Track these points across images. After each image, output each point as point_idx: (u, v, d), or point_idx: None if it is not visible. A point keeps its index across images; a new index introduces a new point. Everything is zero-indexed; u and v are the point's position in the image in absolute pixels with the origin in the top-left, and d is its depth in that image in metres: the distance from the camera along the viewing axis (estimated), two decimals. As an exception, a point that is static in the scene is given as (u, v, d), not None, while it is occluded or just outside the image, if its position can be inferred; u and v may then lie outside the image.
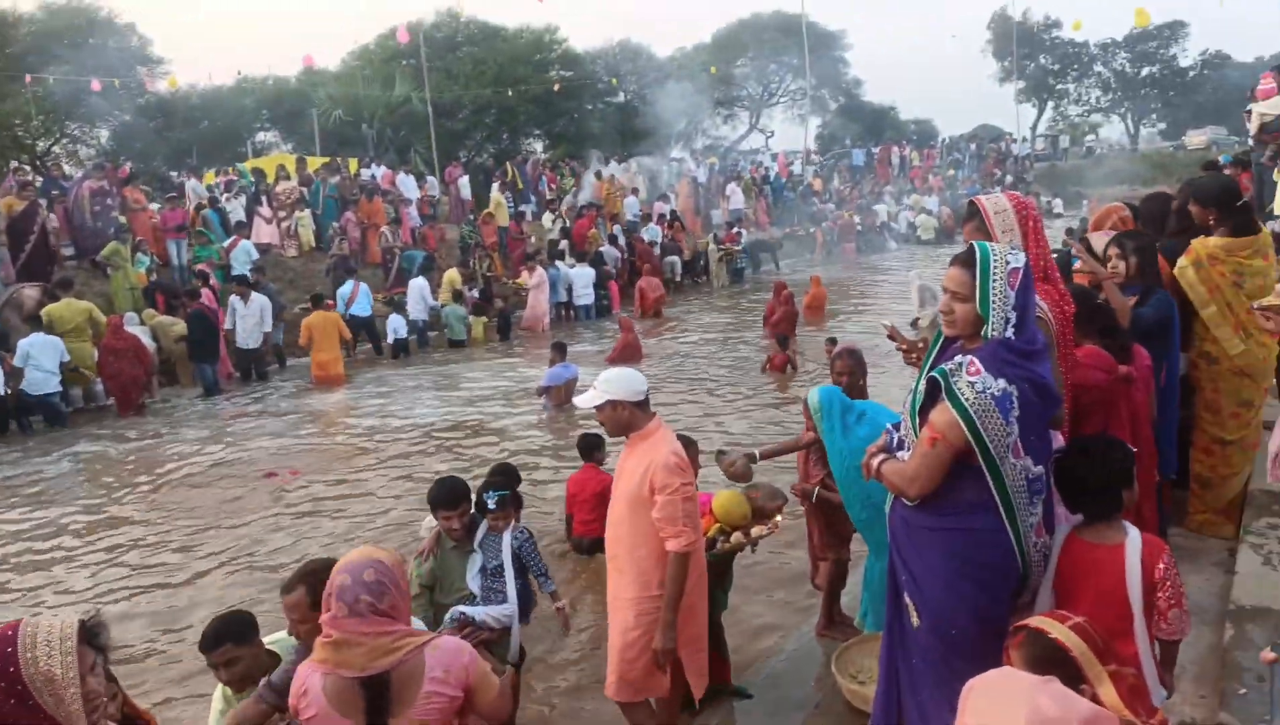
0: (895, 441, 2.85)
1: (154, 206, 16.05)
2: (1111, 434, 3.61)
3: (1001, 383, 2.47)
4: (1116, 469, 2.74)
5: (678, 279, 20.73)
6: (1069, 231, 19.81)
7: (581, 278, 17.32)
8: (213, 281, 13.91)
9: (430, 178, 24.08)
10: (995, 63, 53.43)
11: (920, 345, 3.56)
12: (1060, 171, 41.85)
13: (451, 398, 11.61)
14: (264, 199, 17.35)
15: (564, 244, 18.83)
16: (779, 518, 4.48)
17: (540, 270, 16.42)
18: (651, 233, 21.23)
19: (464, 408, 11.02)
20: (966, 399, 2.48)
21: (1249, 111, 11.78)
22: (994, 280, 2.50)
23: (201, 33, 65.13)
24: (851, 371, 4.95)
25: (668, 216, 22.41)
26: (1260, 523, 4.15)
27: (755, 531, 4.39)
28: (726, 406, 10.40)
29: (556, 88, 32.18)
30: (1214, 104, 46.23)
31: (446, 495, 3.94)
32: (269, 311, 13.15)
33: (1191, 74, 52.66)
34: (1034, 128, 53.71)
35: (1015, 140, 46.17)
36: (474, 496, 4.11)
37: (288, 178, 18.02)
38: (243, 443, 9.91)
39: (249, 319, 12.94)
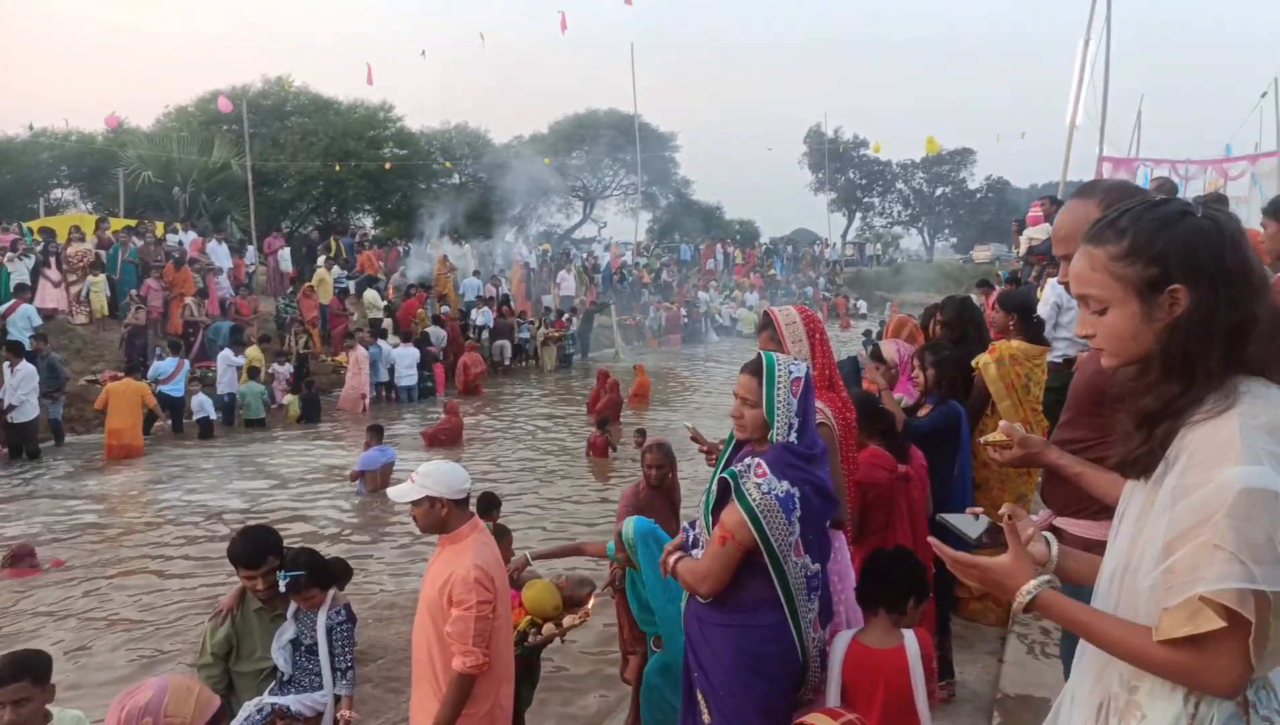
0: (691, 539, 2.93)
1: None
2: (893, 529, 3.89)
3: (785, 484, 2.60)
4: (914, 579, 2.95)
5: (507, 363, 20.67)
6: (866, 333, 21.21)
7: (405, 358, 16.90)
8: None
9: (249, 247, 23.03)
10: (811, 174, 57.80)
11: (719, 446, 3.71)
12: (866, 276, 45.34)
13: (257, 480, 10.89)
14: (53, 261, 15.95)
15: (388, 322, 18.37)
16: (589, 605, 4.45)
17: (361, 349, 15.90)
18: (484, 317, 21.16)
19: (271, 491, 10.35)
20: (753, 499, 2.60)
21: (1016, 223, 13.33)
22: (778, 388, 2.66)
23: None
24: (661, 465, 5.08)
25: (498, 300, 22.44)
26: (1025, 614, 4.51)
27: (567, 621, 4.33)
28: (549, 492, 10.32)
29: (388, 165, 31.85)
30: (997, 223, 51.80)
31: (247, 551, 3.52)
32: (33, 381, 11.97)
33: (978, 196, 59.01)
34: (844, 235, 58.15)
35: (828, 245, 49.74)
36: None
37: (81, 239, 16.69)
38: (11, 527, 8.84)
39: (18, 390, 11.74)
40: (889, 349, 4.66)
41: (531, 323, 22.25)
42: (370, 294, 19.71)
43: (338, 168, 30.44)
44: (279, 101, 33.54)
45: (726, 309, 32.17)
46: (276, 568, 3.52)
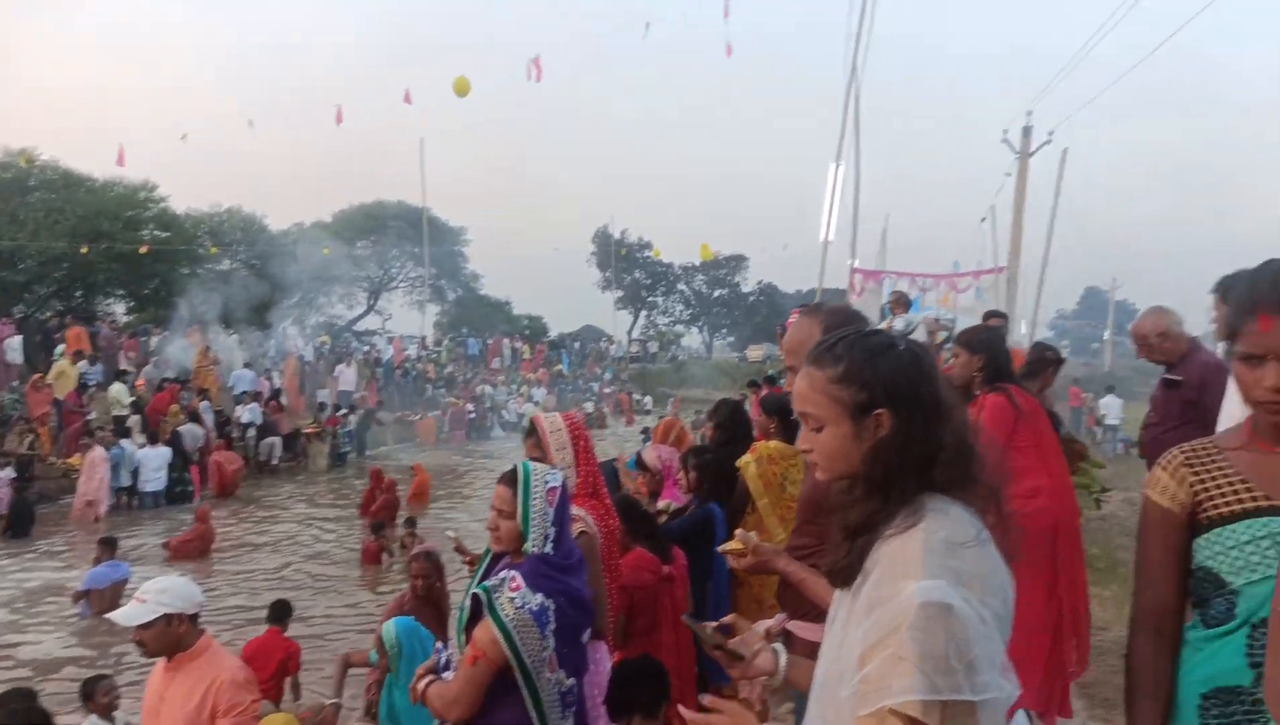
0: (444, 661, 2.79)
1: None
2: (658, 631, 3.93)
3: (539, 597, 2.56)
4: (663, 685, 2.96)
5: (274, 463, 19.28)
6: (645, 431, 21.76)
7: (152, 459, 15.28)
8: None
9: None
10: (598, 272, 59.68)
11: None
12: (651, 373, 46.90)
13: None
14: None
15: (134, 420, 16.65)
16: (335, 735, 4.11)
17: (99, 449, 14.25)
18: (251, 413, 19.73)
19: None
20: (506, 615, 2.53)
21: (780, 328, 14.39)
22: (534, 498, 2.64)
23: None
24: (427, 575, 4.88)
25: (267, 395, 21.07)
26: (781, 709, 4.65)
27: (312, 759, 3.97)
28: (313, 605, 9.57)
29: (144, 248, 29.42)
30: (768, 325, 55.58)
31: (12, 720, 3.15)
32: None
33: (751, 299, 63.28)
34: (630, 332, 60.13)
35: (614, 342, 51.18)
36: None
37: None
38: None
39: None
40: (650, 456, 4.79)
41: (303, 420, 21.03)
42: (116, 388, 17.83)
43: (84, 250, 27.76)
44: (21, 175, 30.36)
45: (513, 404, 32.03)
46: None
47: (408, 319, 45.14)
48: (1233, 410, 4.15)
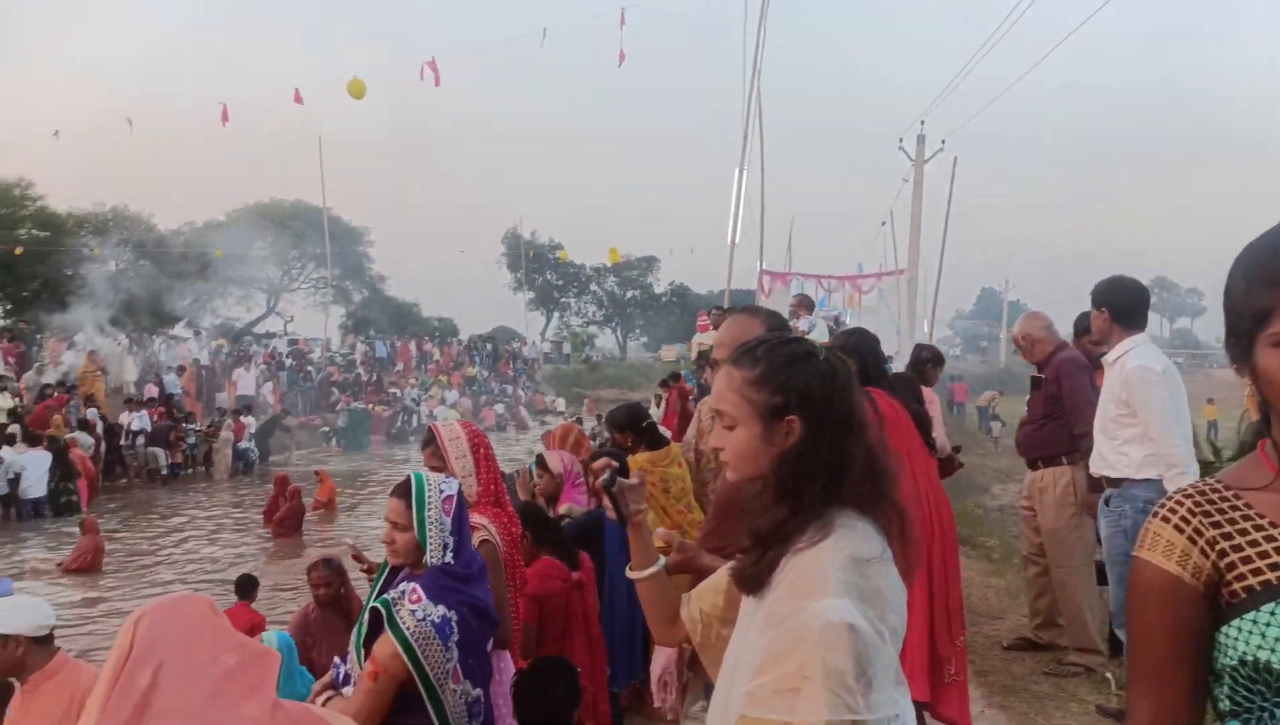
0: (342, 675, 2.71)
1: None
2: (570, 637, 3.91)
3: (441, 609, 2.52)
4: (565, 692, 2.95)
5: (164, 472, 18.46)
6: (547, 434, 21.77)
7: (34, 464, 14.42)
8: None
9: None
10: (510, 274, 59.08)
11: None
12: (564, 373, 46.68)
13: None
14: None
15: (14, 427, 15.71)
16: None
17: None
18: (140, 420, 18.84)
19: None
20: (408, 628, 2.48)
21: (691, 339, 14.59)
22: (429, 508, 2.59)
23: None
24: (328, 583, 4.75)
25: (160, 401, 20.16)
26: (695, 707, 4.68)
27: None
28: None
29: (19, 250, 27.66)
30: (681, 324, 56.02)
31: None
32: None
33: (663, 299, 63.58)
34: (543, 333, 59.69)
35: (526, 343, 50.73)
36: None
37: None
38: None
39: None
40: (554, 460, 4.75)
41: (198, 426, 20.19)
42: (-3, 395, 16.78)
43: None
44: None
45: (425, 407, 31.43)
46: None
47: (312, 321, 43.82)
48: (1106, 410, 4.41)
